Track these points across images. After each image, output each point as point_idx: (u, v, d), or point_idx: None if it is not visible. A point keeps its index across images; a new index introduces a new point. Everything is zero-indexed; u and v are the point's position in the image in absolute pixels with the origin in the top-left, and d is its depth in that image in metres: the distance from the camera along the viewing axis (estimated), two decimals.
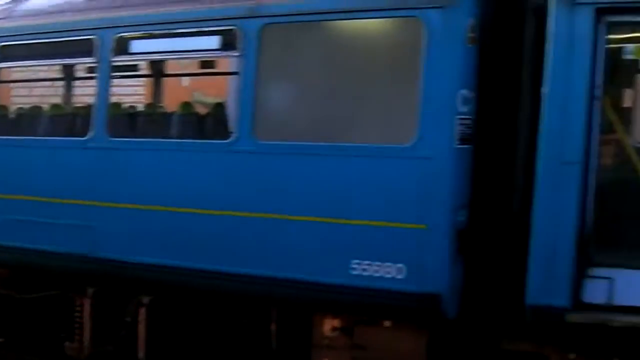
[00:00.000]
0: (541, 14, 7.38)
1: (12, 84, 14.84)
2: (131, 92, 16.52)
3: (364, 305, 7.91)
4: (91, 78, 9.76)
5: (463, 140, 7.52)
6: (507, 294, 7.54)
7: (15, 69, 11.64)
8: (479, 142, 7.68)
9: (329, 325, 8.37)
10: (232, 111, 9.03)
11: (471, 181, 7.66)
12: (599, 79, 7.25)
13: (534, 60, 7.50)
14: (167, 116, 10.14)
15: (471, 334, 8.03)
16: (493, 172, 7.75)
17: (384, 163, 7.74)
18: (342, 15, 8.08)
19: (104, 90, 9.33)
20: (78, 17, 9.66)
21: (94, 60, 9.41)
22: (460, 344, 8.10)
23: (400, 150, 7.65)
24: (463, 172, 7.58)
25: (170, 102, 11.48)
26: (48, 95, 14.59)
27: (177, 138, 9.34)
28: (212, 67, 15.08)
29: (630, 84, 8.70)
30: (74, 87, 12.49)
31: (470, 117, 7.58)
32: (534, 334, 7.58)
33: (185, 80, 19.58)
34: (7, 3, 11.03)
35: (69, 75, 12.49)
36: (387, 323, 8.10)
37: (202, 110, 10.62)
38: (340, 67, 8.24)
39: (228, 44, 8.57)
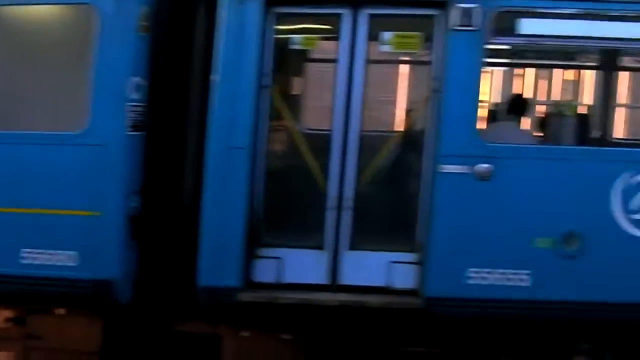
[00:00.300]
0: (213, 3, 7.55)
1: None
2: None
3: (36, 295, 7.75)
4: None
5: (135, 127, 7.57)
6: (181, 276, 7.68)
7: None
8: (152, 129, 7.75)
9: (1, 316, 8.20)
10: None
11: (144, 167, 7.72)
12: (268, 68, 7.58)
13: (205, 48, 7.66)
14: None
15: (146, 317, 8.11)
16: (166, 158, 7.83)
17: (56, 151, 7.62)
18: (12, 1, 7.87)
19: None
20: None
21: None
22: (135, 328, 8.17)
23: (71, 138, 7.56)
24: (135, 159, 7.62)
25: None
26: None
27: None
28: None
29: (299, 73, 9.19)
30: None
31: (142, 104, 7.63)
32: (208, 315, 7.83)
33: None
34: None
35: None
36: (61, 311, 8.05)
37: None
38: (10, 54, 8.00)
39: None
